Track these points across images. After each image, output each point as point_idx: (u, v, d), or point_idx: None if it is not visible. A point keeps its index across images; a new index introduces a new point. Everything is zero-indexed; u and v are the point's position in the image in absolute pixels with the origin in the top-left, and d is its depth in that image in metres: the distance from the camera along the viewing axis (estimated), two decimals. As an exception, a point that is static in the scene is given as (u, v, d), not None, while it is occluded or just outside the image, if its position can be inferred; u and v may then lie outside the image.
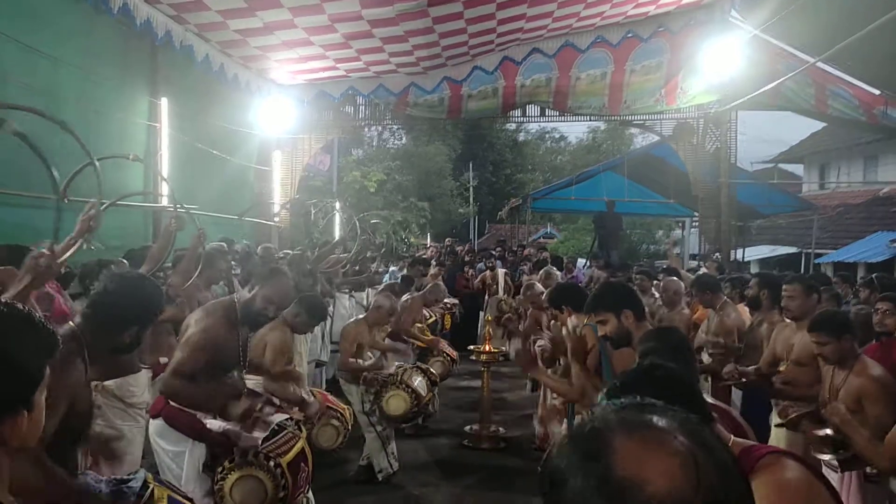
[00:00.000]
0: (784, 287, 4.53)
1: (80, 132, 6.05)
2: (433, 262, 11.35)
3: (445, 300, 9.54)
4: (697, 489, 0.76)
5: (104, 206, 4.56)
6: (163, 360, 4.55)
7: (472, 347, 7.39)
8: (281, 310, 3.78)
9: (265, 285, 3.57)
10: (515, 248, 15.63)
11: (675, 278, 6.32)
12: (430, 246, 17.98)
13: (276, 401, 3.93)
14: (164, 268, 5.63)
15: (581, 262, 14.98)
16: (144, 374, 3.58)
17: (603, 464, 0.78)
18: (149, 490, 2.30)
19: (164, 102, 7.63)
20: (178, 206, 4.45)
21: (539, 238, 26.67)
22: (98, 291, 2.63)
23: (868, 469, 3.30)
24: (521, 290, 7.85)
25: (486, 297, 11.29)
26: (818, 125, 19.95)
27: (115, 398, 3.26)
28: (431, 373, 6.29)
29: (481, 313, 10.98)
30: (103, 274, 2.91)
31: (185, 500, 2.45)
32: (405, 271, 9.97)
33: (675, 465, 0.78)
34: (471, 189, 32.03)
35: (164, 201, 7.22)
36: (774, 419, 4.26)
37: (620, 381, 1.93)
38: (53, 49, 6.09)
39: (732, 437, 1.90)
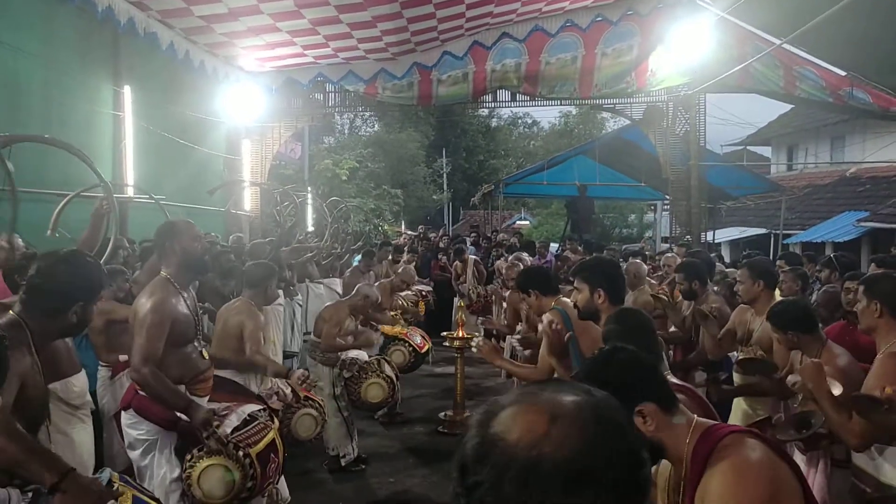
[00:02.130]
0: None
1: (44, 123, 5.97)
2: (405, 250, 11.30)
3: (419, 287, 9.54)
4: (547, 437, 0.87)
5: (68, 197, 4.51)
6: (122, 357, 4.48)
7: (445, 334, 7.38)
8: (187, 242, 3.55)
9: (169, 247, 3.47)
10: (489, 234, 15.63)
11: (637, 261, 6.40)
12: (403, 234, 17.89)
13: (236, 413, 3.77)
14: (130, 263, 5.55)
15: (554, 246, 15.04)
16: (85, 374, 3.50)
17: (487, 425, 0.92)
18: (113, 488, 2.26)
19: (127, 90, 7.49)
20: (146, 192, 4.35)
21: (513, 223, 26.72)
22: (32, 275, 2.57)
23: (838, 454, 3.33)
24: (504, 270, 7.84)
25: (457, 284, 11.28)
26: (786, 107, 20.21)
27: (59, 401, 3.17)
28: (393, 366, 6.28)
29: (455, 300, 10.97)
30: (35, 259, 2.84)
31: (150, 501, 2.41)
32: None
33: (533, 420, 0.89)
34: (444, 176, 31.96)
35: (130, 192, 7.11)
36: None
37: (584, 368, 1.93)
38: (13, 38, 5.95)
39: (696, 417, 1.90)
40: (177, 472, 3.37)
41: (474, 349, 4.53)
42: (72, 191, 4.61)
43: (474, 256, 11.69)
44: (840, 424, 2.93)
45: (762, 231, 17.79)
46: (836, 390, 3.03)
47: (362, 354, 6.15)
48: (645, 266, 6.33)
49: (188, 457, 3.33)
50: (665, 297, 5.49)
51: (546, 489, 0.84)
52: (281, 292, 7.02)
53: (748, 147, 24.93)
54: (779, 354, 4.02)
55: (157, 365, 3.23)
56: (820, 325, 3.64)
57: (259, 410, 3.77)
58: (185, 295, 3.48)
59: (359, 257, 9.80)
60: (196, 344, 3.54)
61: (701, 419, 1.88)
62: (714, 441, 1.76)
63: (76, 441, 3.22)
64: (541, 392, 0.94)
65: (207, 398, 3.58)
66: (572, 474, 0.84)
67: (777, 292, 4.64)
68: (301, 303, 7.68)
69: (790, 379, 3.38)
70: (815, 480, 3.32)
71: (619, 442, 0.90)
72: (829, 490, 3.30)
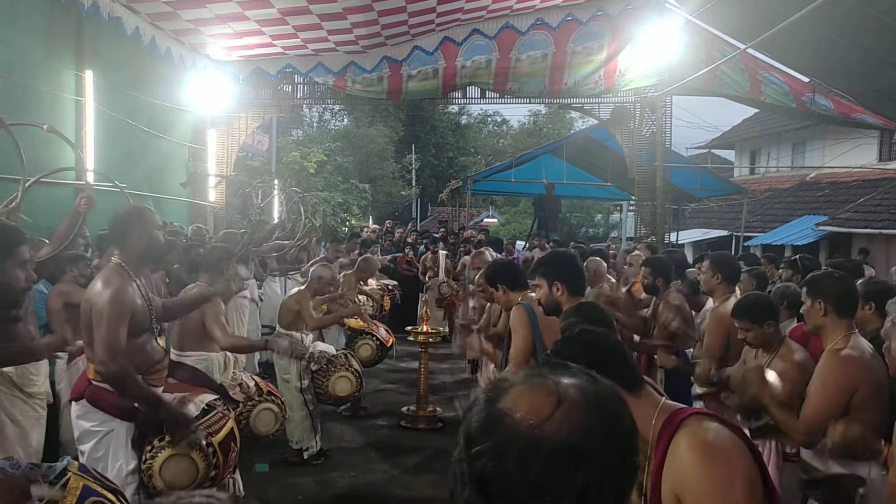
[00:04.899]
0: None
1: (5, 106, 5.82)
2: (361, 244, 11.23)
3: (385, 282, 9.51)
4: (550, 419, 0.92)
5: (29, 182, 4.40)
6: (79, 342, 4.41)
7: (409, 328, 7.37)
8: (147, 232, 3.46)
9: (132, 233, 3.36)
10: (457, 230, 15.63)
11: (597, 259, 6.46)
12: (367, 228, 17.78)
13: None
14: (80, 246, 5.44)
15: (520, 244, 15.11)
16: (46, 363, 3.41)
17: (495, 400, 0.97)
18: (65, 478, 2.20)
19: (89, 75, 7.34)
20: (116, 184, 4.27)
21: (481, 221, 26.78)
22: None
23: (788, 449, 3.39)
24: (471, 258, 7.85)
25: (426, 279, 11.27)
26: (749, 112, 20.57)
27: (13, 386, 3.08)
28: (358, 361, 6.29)
29: (421, 295, 10.97)
30: None
31: (105, 493, 2.35)
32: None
33: (539, 401, 0.95)
34: (413, 171, 31.91)
35: (91, 178, 6.96)
36: (696, 391, 4.39)
37: (556, 347, 1.94)
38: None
39: (664, 399, 1.91)
40: (133, 465, 3.30)
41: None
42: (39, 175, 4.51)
43: (444, 252, 11.72)
44: (786, 423, 3.00)
45: (724, 233, 18.11)
46: (772, 376, 3.12)
47: (330, 348, 6.13)
48: (604, 264, 6.38)
49: (148, 447, 3.26)
50: (625, 298, 5.55)
51: (544, 466, 0.90)
52: (253, 282, 6.96)
53: (712, 150, 25.32)
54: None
55: (122, 356, 3.16)
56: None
57: (215, 399, 3.72)
58: (139, 283, 3.39)
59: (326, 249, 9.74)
60: (151, 333, 3.47)
61: (669, 402, 1.90)
62: (679, 421, 1.78)
63: (26, 429, 3.14)
64: (549, 374, 0.99)
65: (163, 388, 3.52)
66: (569, 455, 0.91)
67: (737, 290, 4.72)
68: (261, 295, 7.64)
69: (728, 371, 3.42)
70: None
71: (616, 429, 0.96)
72: (779, 484, 3.35)
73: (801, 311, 3.34)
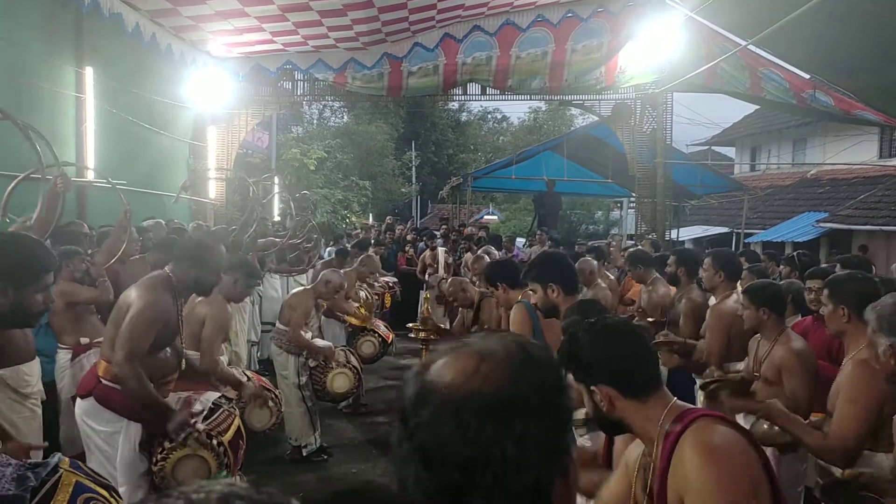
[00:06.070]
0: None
1: (5, 103, 5.82)
2: (371, 242, 11.23)
3: (386, 279, 9.50)
4: (476, 374, 0.94)
5: (18, 179, 4.39)
6: (83, 340, 4.40)
7: (410, 325, 7.35)
8: (215, 272, 3.60)
9: (202, 265, 3.43)
10: (458, 227, 15.61)
11: (589, 258, 6.45)
12: (370, 225, 17.75)
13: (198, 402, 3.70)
14: (89, 244, 5.44)
15: (520, 241, 15.10)
16: (38, 363, 3.38)
17: (424, 374, 0.99)
18: (57, 475, 2.19)
19: (89, 72, 7.32)
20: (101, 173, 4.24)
21: (481, 218, 26.75)
22: None
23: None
24: (471, 263, 7.85)
25: (426, 276, 11.25)
26: (750, 109, 20.57)
27: (6, 388, 3.05)
28: (358, 358, 6.29)
29: (421, 292, 10.95)
30: None
31: (98, 489, 2.34)
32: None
33: (464, 363, 0.96)
34: (413, 168, 31.85)
35: (91, 175, 6.96)
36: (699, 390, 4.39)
37: (581, 329, 1.92)
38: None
39: (675, 399, 1.89)
40: (144, 467, 3.30)
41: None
42: (25, 172, 4.47)
43: (442, 248, 11.69)
44: (820, 448, 2.86)
45: (724, 230, 18.10)
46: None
47: (328, 344, 6.11)
48: (595, 263, 6.36)
49: (160, 449, 3.25)
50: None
51: (479, 421, 0.90)
52: None
53: (713, 147, 25.30)
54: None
55: (139, 358, 3.15)
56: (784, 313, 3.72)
57: (220, 398, 3.73)
58: (178, 302, 3.42)
59: (329, 250, 9.73)
60: (173, 348, 3.47)
61: (679, 402, 1.87)
62: (686, 424, 1.76)
63: (22, 430, 3.12)
64: (473, 341, 1.01)
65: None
66: (501, 406, 0.91)
67: (739, 287, 4.72)
68: (260, 293, 7.62)
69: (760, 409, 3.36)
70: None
71: (542, 371, 0.97)
72: (779, 477, 3.33)
73: (822, 314, 3.27)
